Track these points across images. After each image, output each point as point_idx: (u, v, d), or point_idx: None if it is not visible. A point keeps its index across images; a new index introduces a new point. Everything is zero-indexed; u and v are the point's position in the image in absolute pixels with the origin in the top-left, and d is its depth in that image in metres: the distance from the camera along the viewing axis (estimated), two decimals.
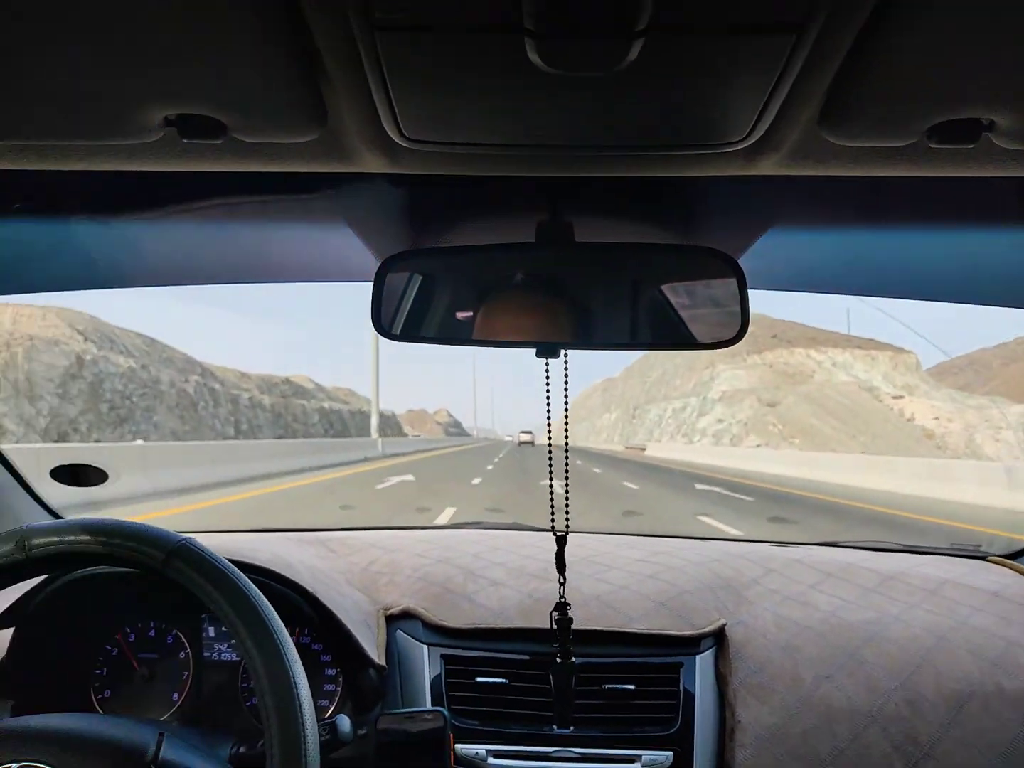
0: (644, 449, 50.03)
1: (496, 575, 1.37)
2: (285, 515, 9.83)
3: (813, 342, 76.36)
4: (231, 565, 0.80)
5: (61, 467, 1.89)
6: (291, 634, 0.94)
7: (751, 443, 51.29)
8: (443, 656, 1.24)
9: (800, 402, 56.70)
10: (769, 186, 0.91)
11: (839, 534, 8.09)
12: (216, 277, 1.41)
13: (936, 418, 50.58)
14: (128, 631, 1.27)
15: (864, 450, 42.70)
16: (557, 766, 1.15)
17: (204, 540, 0.84)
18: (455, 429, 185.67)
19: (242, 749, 0.87)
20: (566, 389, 1.06)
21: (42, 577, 1.13)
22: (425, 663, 1.23)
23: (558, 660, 1.15)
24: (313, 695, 0.77)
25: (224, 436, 45.70)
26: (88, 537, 0.80)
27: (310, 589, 1.17)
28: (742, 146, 0.71)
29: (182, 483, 12.50)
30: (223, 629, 1.26)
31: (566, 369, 1.03)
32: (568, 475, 1.08)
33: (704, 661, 1.22)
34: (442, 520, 9.55)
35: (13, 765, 0.73)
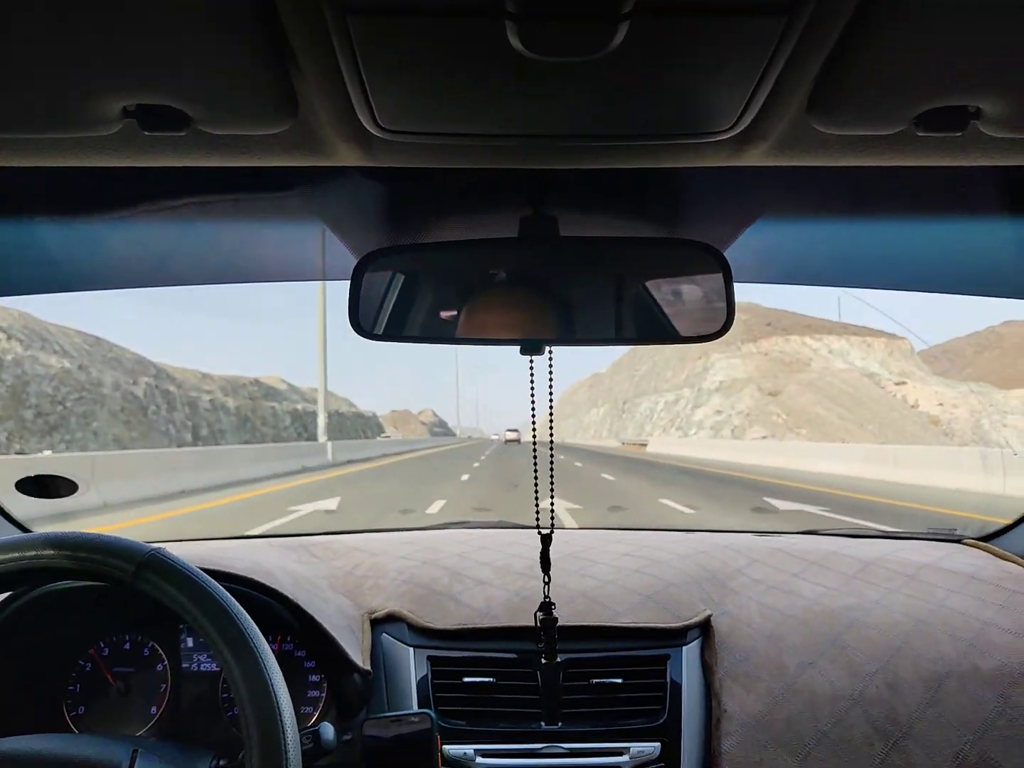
0: (645, 445, 45.84)
1: (482, 574, 1.38)
2: None
3: (808, 329, 73.87)
4: (204, 575, 0.78)
5: (27, 479, 1.78)
6: (273, 642, 0.93)
7: (755, 435, 48.16)
8: (429, 658, 1.24)
9: (802, 391, 53.76)
10: (756, 177, 0.91)
11: None
12: (186, 279, 1.38)
13: (940, 404, 47.86)
14: (102, 645, 1.25)
15: (875, 439, 39.73)
16: (546, 762, 1.16)
17: (180, 549, 0.84)
18: (440, 429, 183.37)
19: (222, 762, 0.84)
20: (551, 386, 1.05)
21: (7, 593, 1.10)
22: (411, 665, 1.23)
23: (543, 660, 1.15)
24: (297, 702, 0.78)
25: (180, 442, 41.75)
26: (52, 551, 0.77)
27: (291, 596, 1.16)
28: (729, 135, 0.70)
29: None
30: (201, 640, 1.21)
31: (551, 366, 1.02)
32: (553, 473, 1.08)
33: (690, 652, 1.24)
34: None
35: None
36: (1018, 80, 0.60)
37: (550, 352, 0.98)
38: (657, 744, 1.16)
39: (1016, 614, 1.25)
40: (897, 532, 1.69)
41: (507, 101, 0.64)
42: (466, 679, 1.21)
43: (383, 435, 71.64)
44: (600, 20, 0.51)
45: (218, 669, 1.23)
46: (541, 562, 1.13)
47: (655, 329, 0.98)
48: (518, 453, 33.74)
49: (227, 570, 1.16)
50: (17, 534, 1.33)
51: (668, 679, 1.21)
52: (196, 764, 0.83)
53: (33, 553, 0.78)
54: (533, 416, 1.07)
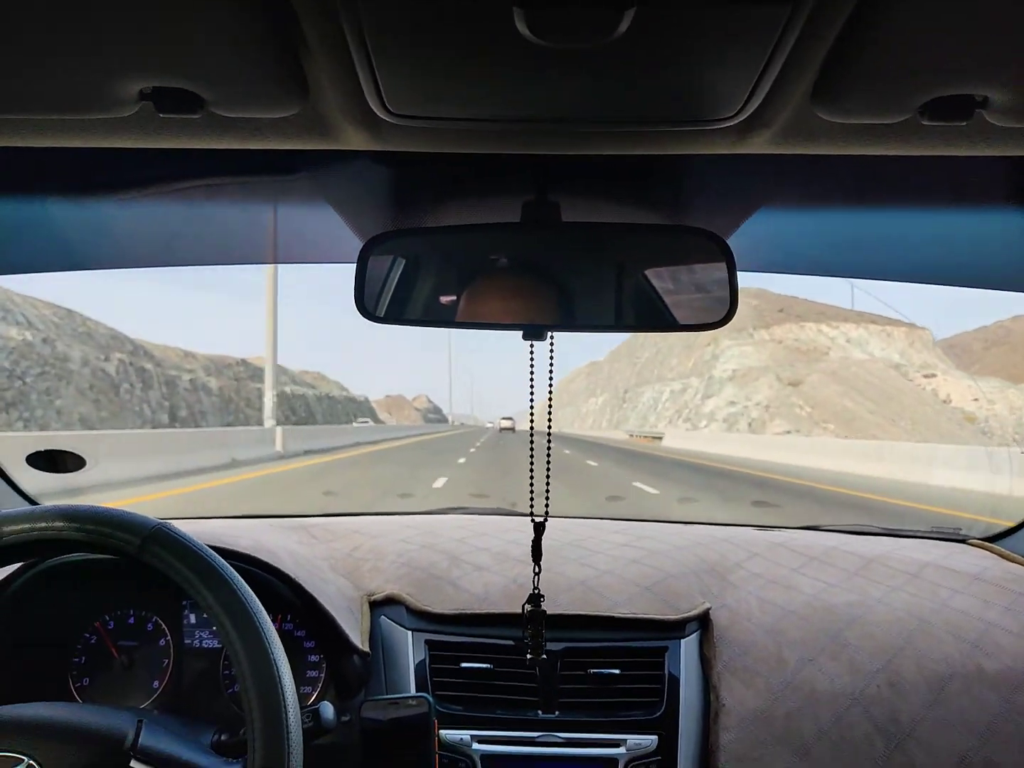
0: (660, 438, 41.58)
1: (480, 560, 1.38)
2: None
3: (823, 317, 71.26)
4: (209, 549, 0.80)
5: (37, 453, 1.86)
6: (273, 621, 0.93)
7: (777, 428, 45.14)
8: (427, 642, 1.25)
9: (826, 381, 50.90)
10: (760, 165, 0.91)
11: None
12: (196, 259, 1.40)
13: (975, 399, 44.91)
14: (107, 618, 1.27)
15: (909, 437, 36.92)
16: (542, 751, 1.16)
17: (184, 526, 0.84)
18: (435, 415, 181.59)
19: (224, 736, 0.86)
20: (551, 373, 1.05)
21: (17, 565, 1.13)
22: (409, 649, 1.24)
23: (529, 656, 1.11)
24: (296, 682, 0.78)
25: (156, 423, 38.48)
26: (61, 524, 0.79)
27: (292, 575, 1.17)
28: (733, 123, 0.71)
29: None
30: (204, 616, 1.26)
31: (551, 352, 1.02)
32: (549, 460, 1.08)
33: (689, 645, 1.24)
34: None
35: None
36: None
37: (551, 338, 0.98)
38: (654, 737, 1.16)
39: (1021, 616, 1.25)
40: (900, 530, 1.67)
41: (514, 86, 0.66)
42: (463, 664, 1.22)
43: (360, 420, 63.48)
44: (606, 6, 0.52)
45: (220, 646, 1.25)
46: (532, 551, 1.11)
47: (657, 316, 0.97)
48: (513, 444, 30.44)
49: (230, 547, 1.16)
50: (27, 506, 1.35)
51: (666, 671, 1.21)
52: (199, 738, 0.84)
53: (44, 524, 0.79)
54: (532, 402, 1.06)
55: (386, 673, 1.22)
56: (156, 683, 1.24)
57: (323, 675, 1.22)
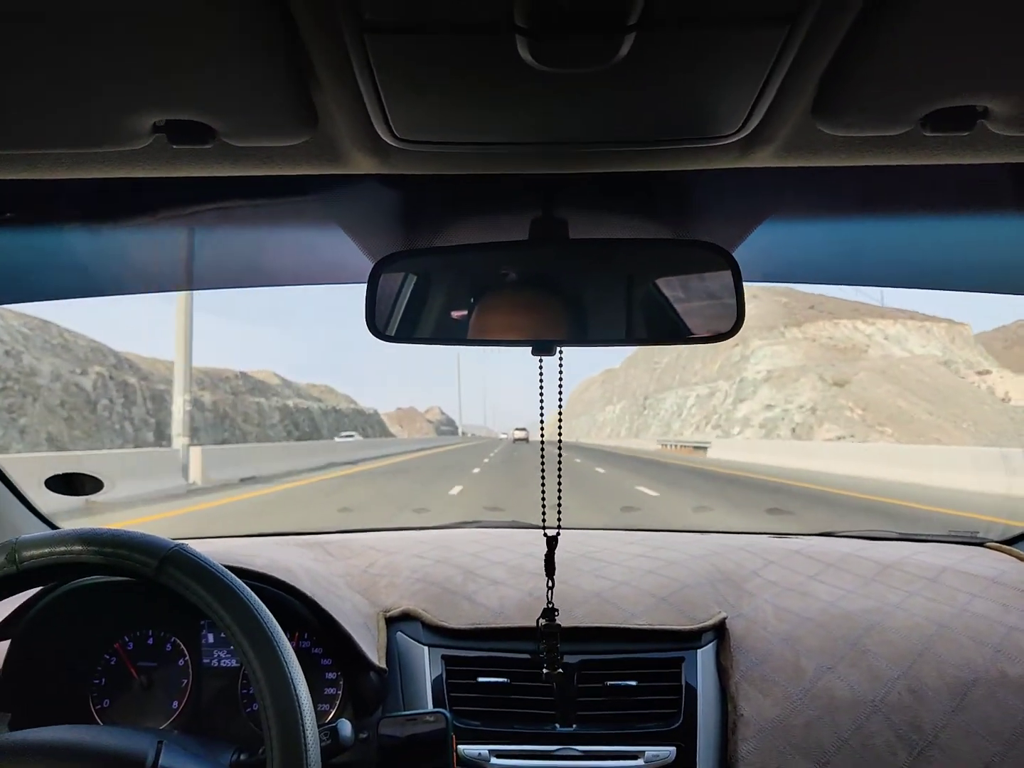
0: (704, 449, 35.60)
1: (495, 574, 1.39)
2: None
3: (857, 313, 67.07)
4: (225, 570, 0.81)
5: (56, 476, 1.86)
6: (290, 639, 0.93)
7: (827, 434, 40.97)
8: (444, 657, 1.25)
9: (875, 380, 46.76)
10: (763, 178, 0.92)
11: None
12: (209, 282, 1.42)
13: None
14: (126, 639, 1.28)
15: (973, 440, 33.07)
16: (560, 764, 1.16)
17: (200, 546, 0.86)
18: (447, 427, 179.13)
19: (243, 756, 0.87)
20: (560, 386, 1.07)
21: (37, 588, 1.13)
22: (426, 664, 1.25)
23: (544, 671, 1.13)
24: (314, 699, 0.79)
25: (139, 442, 34.74)
26: (80, 547, 0.81)
27: (309, 593, 1.18)
28: (736, 139, 0.72)
29: None
30: (222, 635, 1.27)
31: (561, 366, 1.04)
32: (560, 472, 1.09)
33: (705, 655, 1.24)
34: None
35: None
36: None
37: (560, 353, 1.00)
38: (672, 748, 1.16)
39: None
40: (916, 535, 1.67)
41: (518, 111, 0.67)
42: (480, 679, 1.23)
43: (344, 434, 53.69)
44: (606, 33, 0.53)
45: (237, 665, 1.26)
46: (545, 565, 1.11)
47: (666, 329, 0.99)
48: (527, 458, 26.70)
49: (247, 567, 1.18)
50: (47, 530, 1.38)
51: (683, 682, 1.21)
52: (218, 757, 0.85)
53: (63, 548, 0.81)
54: (542, 417, 1.07)
55: (403, 689, 1.22)
56: (175, 703, 1.25)
57: (340, 692, 1.23)
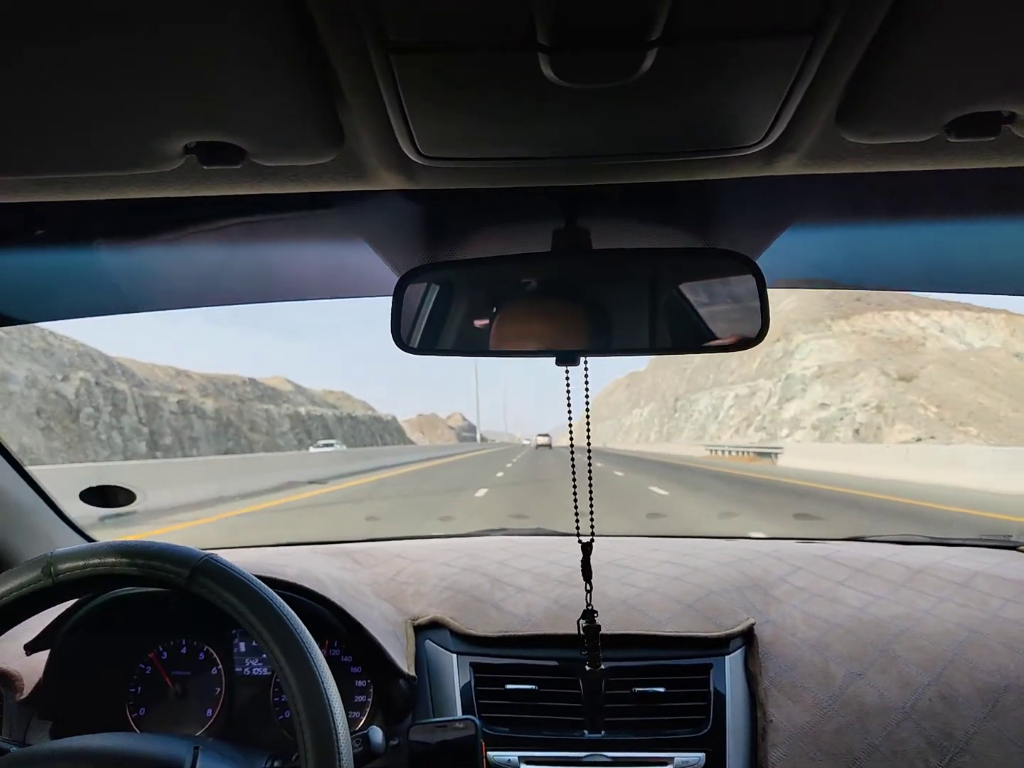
0: (772, 456, 29.67)
1: (522, 582, 1.40)
2: None
3: (910, 304, 62.79)
4: (255, 579, 0.83)
5: (90, 489, 1.88)
6: (320, 647, 0.93)
7: (902, 435, 36.52)
8: (472, 664, 1.27)
9: (946, 374, 42.51)
10: (787, 186, 0.92)
11: None
12: (237, 297, 1.44)
13: None
14: (161, 649, 1.31)
15: None
16: None
17: (230, 556, 0.88)
18: (468, 433, 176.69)
19: (277, 763, 0.89)
20: (587, 395, 1.08)
21: (73, 601, 1.17)
22: (455, 672, 1.26)
23: (587, 668, 1.16)
24: (344, 707, 0.80)
25: (130, 453, 31.32)
26: (112, 559, 0.83)
27: (338, 602, 1.20)
28: (759, 148, 0.72)
29: None
30: (254, 644, 1.29)
31: (587, 374, 1.05)
32: (591, 480, 1.10)
33: (734, 661, 1.24)
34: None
35: None
36: None
37: (585, 363, 1.01)
38: (702, 755, 1.16)
39: None
40: (947, 539, 1.63)
41: (541, 126, 0.68)
42: (509, 686, 1.24)
43: (322, 442, 45.34)
44: (629, 49, 0.54)
45: (269, 673, 1.28)
46: (583, 570, 1.13)
47: (690, 337, 0.99)
48: (552, 466, 23.00)
49: (277, 576, 1.20)
50: (80, 541, 1.42)
51: (712, 688, 1.21)
52: (253, 763, 0.87)
53: (97, 560, 0.83)
54: (571, 424, 1.09)
55: (432, 696, 1.24)
56: (209, 711, 1.27)
57: (371, 700, 1.25)
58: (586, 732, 1.19)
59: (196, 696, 1.27)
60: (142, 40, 0.53)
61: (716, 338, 0.97)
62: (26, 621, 0.88)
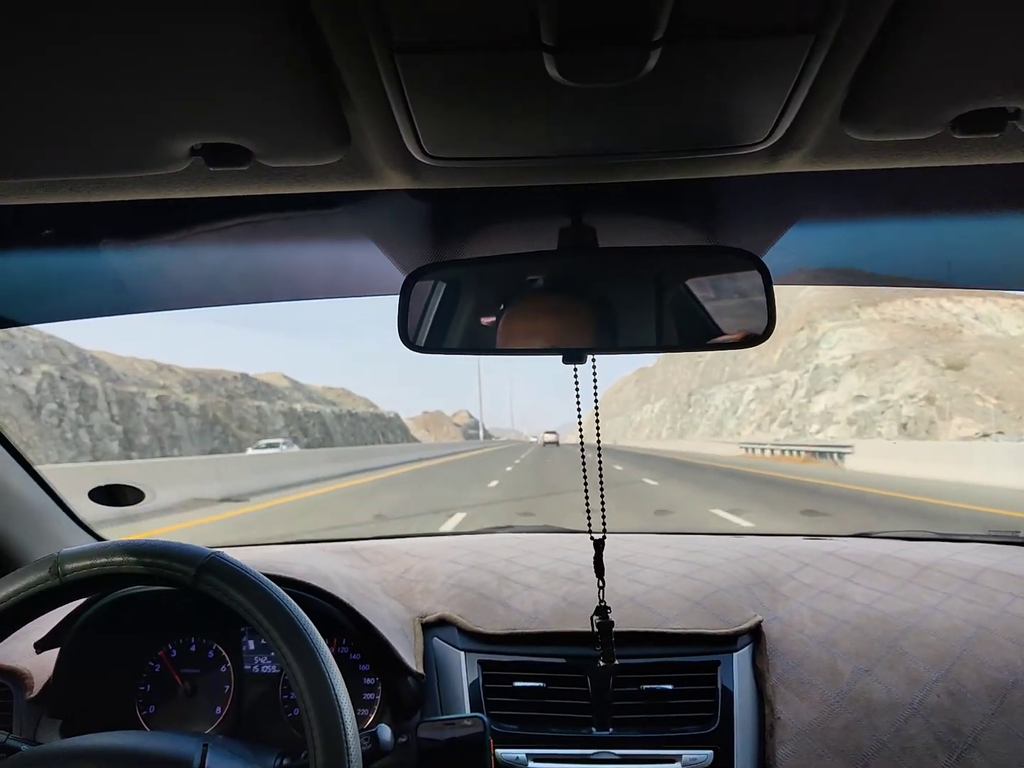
0: (837, 456, 23.77)
1: (530, 579, 1.40)
2: None
3: (941, 291, 59.51)
4: (262, 576, 0.84)
5: (99, 488, 1.88)
6: (329, 645, 0.95)
7: (962, 431, 33.06)
8: (480, 662, 1.27)
9: (1000, 362, 39.11)
10: (792, 183, 0.93)
11: None
12: (245, 297, 1.44)
13: None
14: (170, 647, 1.32)
15: None
16: None
17: (238, 554, 0.89)
18: (475, 431, 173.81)
19: (286, 760, 0.89)
20: (595, 393, 1.08)
21: (81, 600, 1.17)
22: (463, 669, 1.27)
23: (600, 663, 1.16)
24: (353, 705, 0.80)
25: (100, 454, 28.11)
26: (119, 558, 0.84)
27: (346, 600, 1.21)
28: (764, 146, 0.73)
29: None
30: (262, 642, 1.29)
31: (594, 372, 1.05)
32: (602, 478, 1.11)
33: (741, 658, 1.25)
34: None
35: None
36: None
37: (593, 360, 1.01)
38: (710, 752, 1.17)
39: None
40: (954, 535, 1.64)
41: (546, 125, 0.69)
42: (517, 683, 1.24)
43: (267, 442, 37.81)
44: (633, 48, 0.54)
45: (278, 671, 1.29)
46: (595, 567, 1.14)
47: (696, 334, 0.99)
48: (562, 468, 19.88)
49: (284, 573, 1.21)
50: (89, 539, 1.41)
51: (719, 685, 1.22)
52: (262, 761, 0.88)
53: (104, 560, 0.83)
54: (580, 422, 1.09)
55: (441, 694, 1.24)
56: (218, 709, 1.28)
57: (379, 697, 1.26)
58: (594, 729, 1.19)
59: (205, 694, 1.28)
60: (146, 42, 0.53)
61: (723, 335, 0.97)
62: (36, 619, 0.88)
